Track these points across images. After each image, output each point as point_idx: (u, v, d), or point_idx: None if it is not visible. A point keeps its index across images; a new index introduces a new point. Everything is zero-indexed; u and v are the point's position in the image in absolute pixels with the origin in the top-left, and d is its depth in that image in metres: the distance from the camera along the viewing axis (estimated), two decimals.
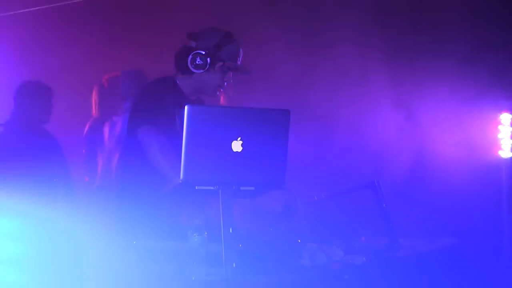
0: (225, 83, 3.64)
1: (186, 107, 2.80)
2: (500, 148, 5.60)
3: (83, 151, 6.11)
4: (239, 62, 3.61)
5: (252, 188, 2.95)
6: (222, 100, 5.10)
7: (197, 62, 3.54)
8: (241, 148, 2.87)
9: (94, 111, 6.03)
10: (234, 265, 2.74)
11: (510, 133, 5.58)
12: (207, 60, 3.54)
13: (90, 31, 6.23)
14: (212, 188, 2.85)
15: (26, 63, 6.33)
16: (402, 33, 5.49)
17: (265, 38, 5.54)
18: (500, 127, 5.61)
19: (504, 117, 5.62)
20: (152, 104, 3.46)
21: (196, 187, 2.85)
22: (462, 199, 5.37)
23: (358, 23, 5.59)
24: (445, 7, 5.61)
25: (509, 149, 5.58)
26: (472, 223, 5.34)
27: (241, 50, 3.61)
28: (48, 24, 6.43)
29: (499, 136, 5.60)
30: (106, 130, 5.39)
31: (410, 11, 5.65)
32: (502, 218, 5.56)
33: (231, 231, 2.79)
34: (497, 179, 5.55)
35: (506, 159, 5.59)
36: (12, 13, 6.35)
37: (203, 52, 3.53)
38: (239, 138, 2.87)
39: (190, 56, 3.54)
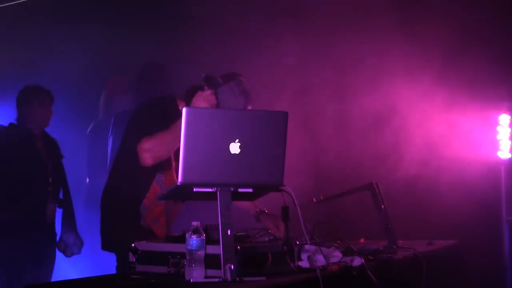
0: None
1: (184, 109, 2.81)
2: (499, 149, 5.59)
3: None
4: None
5: (250, 189, 2.95)
6: None
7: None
8: (239, 150, 2.88)
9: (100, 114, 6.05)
10: (232, 267, 2.74)
11: (509, 134, 5.58)
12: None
13: (93, 32, 6.24)
14: (210, 190, 2.85)
15: (27, 64, 6.33)
16: (397, 35, 5.50)
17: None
18: (499, 128, 5.60)
19: (503, 118, 5.61)
20: (150, 119, 3.57)
21: (194, 189, 2.85)
22: (461, 200, 5.37)
23: (355, 23, 5.60)
24: (441, 6, 5.62)
25: (508, 150, 5.58)
26: (471, 224, 5.33)
27: (247, 105, 3.66)
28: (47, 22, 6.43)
29: (498, 137, 5.60)
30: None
31: (406, 8, 5.65)
32: (502, 219, 5.56)
33: (229, 233, 2.79)
34: (496, 180, 5.55)
35: (505, 160, 5.58)
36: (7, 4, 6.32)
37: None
38: (237, 140, 2.87)
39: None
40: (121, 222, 3.74)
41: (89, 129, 6.11)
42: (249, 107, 3.70)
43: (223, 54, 5.69)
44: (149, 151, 3.55)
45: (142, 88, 5.58)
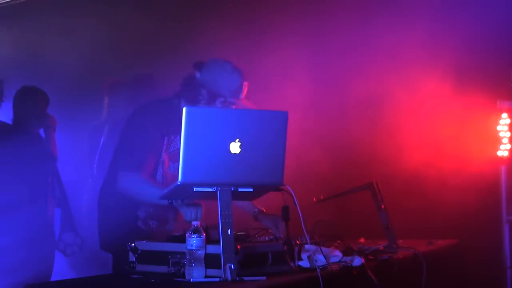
0: None
1: (184, 109, 2.81)
2: (499, 148, 5.59)
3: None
4: (241, 96, 3.62)
5: (251, 189, 2.95)
6: None
7: (199, 96, 3.59)
8: (239, 150, 2.87)
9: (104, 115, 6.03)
10: (232, 266, 2.74)
11: (509, 133, 5.57)
12: (208, 95, 3.58)
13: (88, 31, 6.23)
14: (210, 189, 2.85)
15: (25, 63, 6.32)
16: (395, 34, 5.50)
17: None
18: (499, 127, 5.59)
19: (503, 117, 5.60)
20: (132, 146, 3.55)
21: (194, 188, 2.85)
22: (461, 199, 5.37)
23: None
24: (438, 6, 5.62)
25: (508, 149, 5.57)
26: (472, 223, 5.33)
27: (244, 84, 3.61)
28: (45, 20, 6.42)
29: (498, 136, 5.59)
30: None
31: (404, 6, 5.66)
32: (502, 218, 5.55)
33: (229, 232, 2.79)
34: (496, 180, 5.54)
35: (505, 159, 5.57)
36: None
37: (206, 87, 3.58)
38: (237, 140, 2.87)
39: (194, 88, 3.61)
40: (118, 223, 3.72)
41: (90, 129, 6.09)
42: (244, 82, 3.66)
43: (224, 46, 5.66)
44: (123, 188, 3.54)
45: (137, 98, 5.56)
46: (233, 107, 3.64)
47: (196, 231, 2.79)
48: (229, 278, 2.73)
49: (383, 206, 3.90)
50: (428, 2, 5.69)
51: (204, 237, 2.79)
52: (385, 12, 5.62)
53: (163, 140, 3.60)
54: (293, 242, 3.06)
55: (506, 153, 5.55)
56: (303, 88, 5.54)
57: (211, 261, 2.79)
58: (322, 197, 4.04)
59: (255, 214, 3.84)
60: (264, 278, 2.81)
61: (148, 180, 3.46)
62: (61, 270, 5.35)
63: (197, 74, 3.63)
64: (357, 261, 3.19)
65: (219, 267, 2.75)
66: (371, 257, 3.41)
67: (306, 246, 3.07)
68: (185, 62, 3.85)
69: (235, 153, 2.87)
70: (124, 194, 3.50)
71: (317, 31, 5.75)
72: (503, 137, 5.57)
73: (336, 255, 3.19)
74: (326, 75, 5.69)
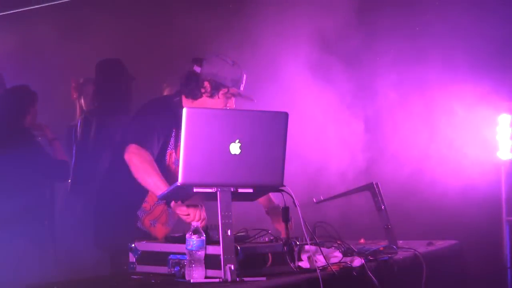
0: (228, 108, 3.73)
1: (184, 109, 2.82)
2: (498, 149, 5.58)
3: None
4: (242, 88, 3.67)
5: (251, 190, 2.95)
6: None
7: (202, 88, 3.64)
8: (239, 151, 2.88)
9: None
10: (232, 267, 2.74)
11: (509, 134, 5.56)
12: (211, 87, 3.63)
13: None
14: (210, 190, 2.86)
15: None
16: (396, 35, 5.50)
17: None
18: (498, 128, 5.59)
19: (503, 118, 5.60)
20: (143, 124, 3.55)
21: (194, 189, 2.85)
22: (461, 200, 5.36)
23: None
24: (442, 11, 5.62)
25: (508, 150, 5.56)
26: (471, 224, 5.33)
27: (244, 77, 3.66)
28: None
29: (498, 137, 5.59)
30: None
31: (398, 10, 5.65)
32: (502, 219, 5.55)
33: (229, 233, 2.79)
34: (496, 180, 5.54)
35: (505, 160, 5.57)
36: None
37: (208, 79, 3.63)
38: (237, 141, 2.88)
39: (196, 82, 3.65)
40: (117, 224, 3.71)
41: (66, 130, 6.03)
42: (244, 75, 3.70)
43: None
44: (129, 160, 3.48)
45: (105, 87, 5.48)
46: (233, 100, 3.67)
47: (196, 231, 2.80)
48: (229, 279, 2.73)
49: (383, 206, 3.91)
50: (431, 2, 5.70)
51: (204, 238, 2.79)
52: (389, 12, 5.63)
53: (171, 131, 3.60)
54: (293, 243, 3.06)
55: (506, 154, 5.55)
56: (304, 88, 5.55)
57: (211, 261, 2.80)
58: (322, 197, 4.05)
59: (269, 209, 3.79)
60: (264, 278, 2.81)
61: (157, 169, 3.39)
62: (60, 270, 5.35)
63: (197, 69, 3.67)
64: (357, 261, 3.19)
65: (219, 268, 2.76)
66: (371, 258, 3.41)
67: (306, 247, 3.07)
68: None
69: (235, 154, 2.87)
70: (129, 166, 3.44)
71: (318, 30, 5.74)
72: (503, 138, 5.56)
73: (336, 255, 3.19)
74: (326, 75, 5.69)
